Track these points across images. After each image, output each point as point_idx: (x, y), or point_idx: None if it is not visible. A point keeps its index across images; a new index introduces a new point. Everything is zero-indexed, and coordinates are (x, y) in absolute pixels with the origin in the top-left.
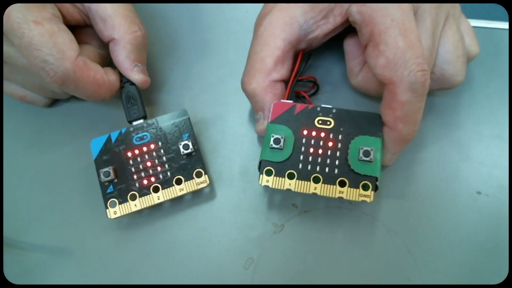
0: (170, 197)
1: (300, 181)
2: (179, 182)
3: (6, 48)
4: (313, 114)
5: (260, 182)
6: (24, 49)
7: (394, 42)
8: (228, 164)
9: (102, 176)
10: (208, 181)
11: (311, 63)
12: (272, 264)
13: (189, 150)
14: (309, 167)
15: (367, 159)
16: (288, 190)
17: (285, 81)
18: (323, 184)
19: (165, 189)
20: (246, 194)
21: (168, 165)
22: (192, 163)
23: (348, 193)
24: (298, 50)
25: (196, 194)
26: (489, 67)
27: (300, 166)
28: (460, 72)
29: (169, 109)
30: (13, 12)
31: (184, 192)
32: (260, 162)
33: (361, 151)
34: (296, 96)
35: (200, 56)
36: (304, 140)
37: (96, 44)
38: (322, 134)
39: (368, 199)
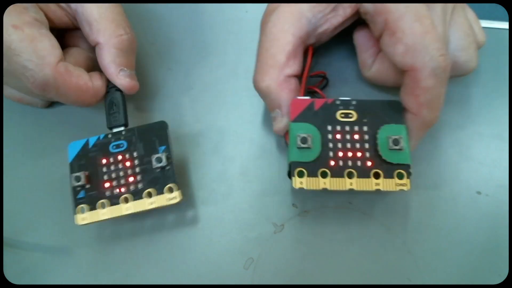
0: (139, 210)
1: (334, 179)
2: (149, 195)
3: None
4: (333, 108)
5: (294, 185)
6: (4, 54)
7: (411, 28)
8: (228, 164)
9: (73, 181)
10: (179, 198)
11: (317, 59)
12: (272, 264)
13: (162, 164)
14: (341, 163)
15: (398, 147)
16: (324, 189)
17: (298, 76)
18: (358, 179)
19: (135, 201)
20: (246, 194)
21: (140, 177)
22: (165, 177)
23: (385, 184)
24: (307, 45)
25: (196, 194)
26: (489, 67)
27: (332, 163)
28: (473, 58)
29: (169, 109)
30: None
31: (154, 206)
32: (289, 165)
33: (391, 140)
34: (308, 92)
35: (200, 56)
36: (330, 136)
37: (85, 46)
38: (347, 128)
39: (405, 188)
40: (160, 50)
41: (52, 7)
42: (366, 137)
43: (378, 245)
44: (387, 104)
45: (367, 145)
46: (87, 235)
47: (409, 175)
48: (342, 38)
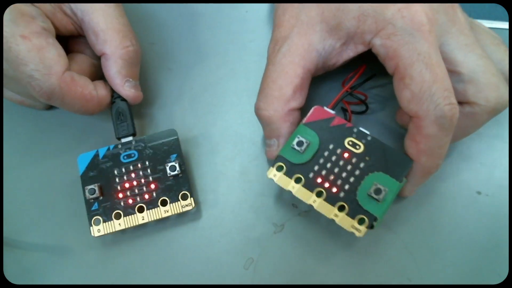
0: (155, 218)
1: (303, 189)
2: (164, 203)
3: None
4: (347, 133)
5: (267, 173)
6: (11, 63)
7: (420, 76)
8: (228, 164)
9: (87, 193)
10: (193, 204)
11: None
12: (272, 264)
13: (176, 172)
14: (318, 180)
15: (376, 197)
16: (289, 191)
17: (301, 109)
18: (323, 201)
19: (150, 210)
20: (246, 194)
21: (154, 185)
22: (178, 184)
23: (342, 219)
24: (314, 75)
25: (196, 194)
26: None
27: (311, 175)
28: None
29: (169, 109)
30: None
31: (169, 214)
32: (277, 156)
33: (374, 187)
34: (342, 108)
35: (200, 56)
36: (326, 153)
37: (89, 53)
38: (346, 155)
39: (357, 233)
40: (159, 50)
41: (58, 15)
42: (357, 172)
43: (378, 245)
44: (399, 157)
45: (352, 179)
46: (87, 235)
47: (370, 226)
48: None
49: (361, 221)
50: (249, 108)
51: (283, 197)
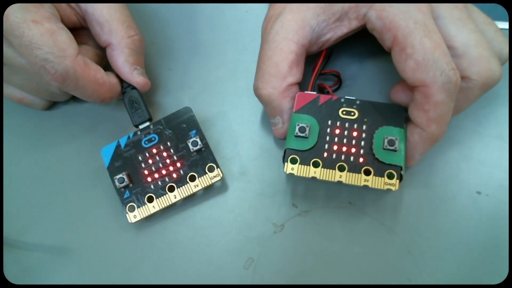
0: (186, 195)
1: (325, 169)
2: (192, 178)
3: (4, 49)
4: (337, 105)
5: (285, 170)
6: (25, 49)
7: (421, 44)
8: (228, 164)
9: (116, 183)
10: (221, 175)
11: (337, 60)
12: (272, 264)
13: (198, 147)
14: (334, 156)
15: (392, 148)
16: (313, 178)
17: (299, 84)
18: (348, 173)
19: (180, 187)
20: (246, 194)
21: (179, 164)
22: (203, 158)
23: (373, 181)
24: (309, 52)
25: (196, 195)
26: None
27: (325, 154)
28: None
29: (169, 109)
30: (12, 12)
31: (199, 188)
32: (285, 151)
33: (386, 140)
34: (320, 91)
35: (200, 56)
36: (328, 130)
37: (93, 44)
38: (346, 124)
39: (393, 188)
40: (160, 50)
41: (62, 5)
42: (364, 135)
43: (378, 245)
44: (390, 108)
45: (363, 143)
46: (87, 235)
47: (399, 176)
48: (357, 36)
49: (390, 176)
50: (249, 108)
51: (283, 197)
